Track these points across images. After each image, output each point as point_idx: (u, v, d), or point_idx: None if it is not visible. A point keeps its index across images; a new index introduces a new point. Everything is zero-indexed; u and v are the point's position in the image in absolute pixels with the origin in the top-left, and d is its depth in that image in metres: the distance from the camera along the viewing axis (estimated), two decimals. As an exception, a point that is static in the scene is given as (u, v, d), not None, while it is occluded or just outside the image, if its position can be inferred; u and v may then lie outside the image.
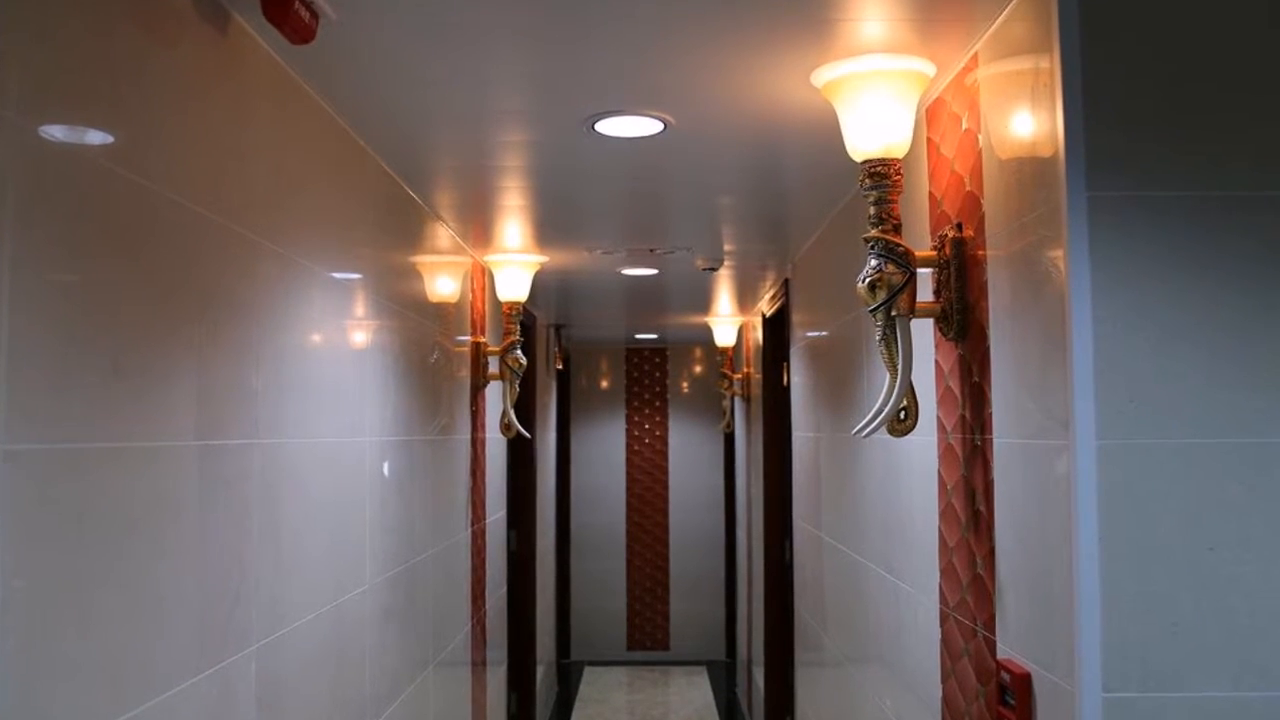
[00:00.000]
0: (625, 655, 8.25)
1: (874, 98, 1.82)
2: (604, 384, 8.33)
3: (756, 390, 5.61)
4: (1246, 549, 1.38)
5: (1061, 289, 1.45)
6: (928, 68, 1.85)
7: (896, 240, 1.81)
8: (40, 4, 1.19)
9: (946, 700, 2.02)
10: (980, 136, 1.81)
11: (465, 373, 3.67)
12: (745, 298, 5.32)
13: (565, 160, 2.60)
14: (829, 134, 2.12)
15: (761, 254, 4.08)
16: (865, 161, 1.85)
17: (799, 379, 4.09)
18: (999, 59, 1.72)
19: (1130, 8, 1.44)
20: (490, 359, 3.84)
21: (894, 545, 2.46)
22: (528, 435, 4.31)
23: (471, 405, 3.75)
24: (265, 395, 1.81)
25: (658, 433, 8.31)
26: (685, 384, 8.34)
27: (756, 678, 5.77)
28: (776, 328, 4.79)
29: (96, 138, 1.31)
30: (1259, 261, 1.41)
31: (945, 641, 2.03)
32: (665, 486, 8.29)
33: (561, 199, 3.07)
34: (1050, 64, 1.48)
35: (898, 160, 1.84)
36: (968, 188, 1.87)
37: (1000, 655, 1.71)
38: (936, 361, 2.05)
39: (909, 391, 1.85)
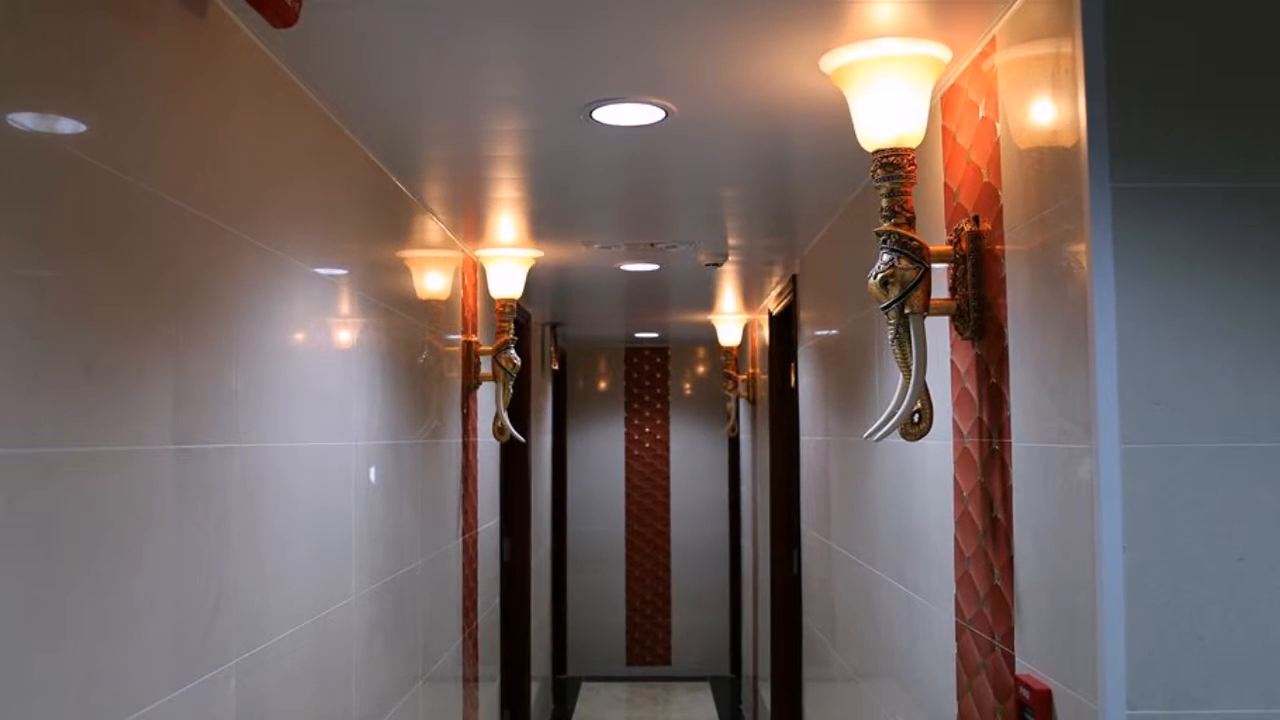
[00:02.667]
0: (624, 670, 8.25)
1: (886, 84, 1.82)
2: (602, 385, 8.33)
3: (762, 392, 5.61)
4: (1279, 559, 1.38)
5: (1084, 285, 1.45)
6: (943, 53, 1.84)
7: (910, 234, 1.81)
8: (8, -15, 1.19)
9: (962, 718, 2.02)
10: (998, 125, 1.80)
11: (456, 373, 3.67)
12: (751, 295, 5.32)
13: (561, 150, 2.60)
14: (839, 123, 2.11)
15: (768, 249, 4.08)
16: (877, 151, 1.85)
17: (807, 380, 4.09)
18: (1018, 43, 1.71)
19: (1156, -11, 1.44)
20: (482, 359, 3.83)
21: (907, 555, 2.46)
22: (522, 439, 4.31)
23: (463, 408, 3.75)
24: (245, 397, 1.81)
25: (658, 436, 8.31)
26: (687, 385, 8.34)
27: (763, 694, 5.77)
28: (783, 326, 4.79)
29: (68, 126, 1.31)
30: (1292, 256, 1.41)
31: (961, 656, 2.03)
32: (666, 493, 8.29)
33: (557, 191, 3.07)
34: (1072, 48, 1.48)
35: (911, 150, 1.84)
36: (985, 179, 1.87)
37: (1019, 670, 1.71)
38: (952, 362, 2.05)
39: (923, 393, 1.85)
